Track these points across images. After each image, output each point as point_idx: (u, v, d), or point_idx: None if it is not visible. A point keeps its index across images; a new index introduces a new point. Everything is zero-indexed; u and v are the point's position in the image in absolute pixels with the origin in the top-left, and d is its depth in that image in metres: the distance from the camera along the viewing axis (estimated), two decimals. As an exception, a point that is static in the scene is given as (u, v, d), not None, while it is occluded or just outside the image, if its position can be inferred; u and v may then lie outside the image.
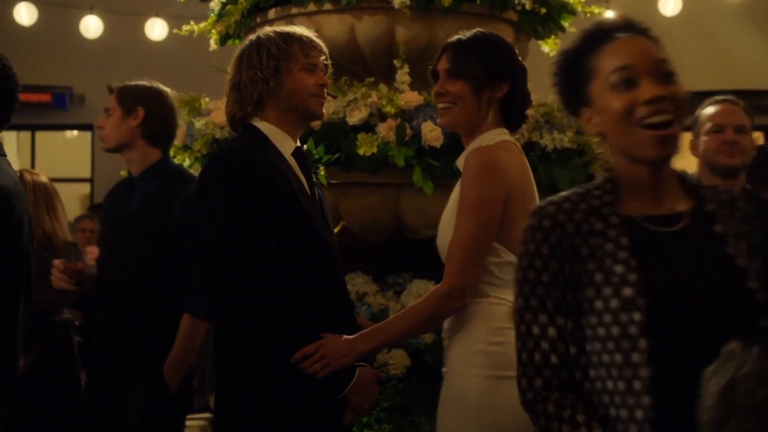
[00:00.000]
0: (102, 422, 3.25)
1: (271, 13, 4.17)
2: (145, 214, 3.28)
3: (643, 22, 1.76)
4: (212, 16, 4.44)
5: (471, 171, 2.45)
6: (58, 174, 10.75)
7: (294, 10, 4.07)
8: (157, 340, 3.20)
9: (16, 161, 11.28)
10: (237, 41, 4.47)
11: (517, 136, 3.65)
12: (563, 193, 1.76)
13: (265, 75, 2.56)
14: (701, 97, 10.25)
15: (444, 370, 2.53)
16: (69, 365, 3.98)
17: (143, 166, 3.36)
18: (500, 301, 2.46)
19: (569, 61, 1.77)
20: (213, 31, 4.46)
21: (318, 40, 2.65)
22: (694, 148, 3.43)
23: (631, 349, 1.57)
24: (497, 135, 2.52)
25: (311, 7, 4.05)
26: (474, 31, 2.59)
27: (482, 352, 2.43)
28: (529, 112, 3.76)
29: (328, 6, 4.05)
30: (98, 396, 3.29)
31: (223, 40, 4.40)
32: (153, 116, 3.36)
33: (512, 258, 2.44)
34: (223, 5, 4.32)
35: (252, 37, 2.66)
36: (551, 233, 1.69)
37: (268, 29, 2.68)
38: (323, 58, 2.65)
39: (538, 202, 2.53)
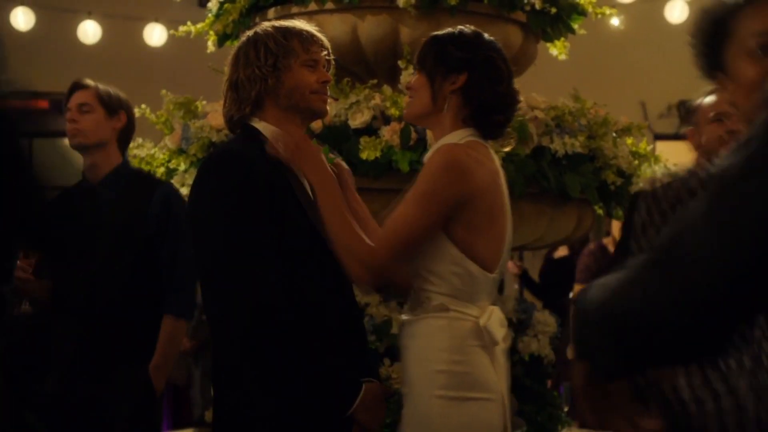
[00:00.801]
0: (80, 427, 3.18)
1: (271, 13, 4.03)
2: (119, 216, 3.27)
3: None
4: (210, 17, 4.30)
5: (434, 165, 2.36)
6: (56, 181, 10.61)
7: (294, 9, 3.93)
8: (139, 343, 3.20)
9: (14, 168, 11.19)
10: (235, 42, 4.34)
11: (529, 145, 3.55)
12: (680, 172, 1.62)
13: (264, 72, 2.42)
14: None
15: (403, 390, 2.39)
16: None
17: (107, 169, 3.37)
18: (462, 316, 2.34)
19: (710, 20, 1.60)
20: (210, 32, 4.33)
21: (319, 35, 2.52)
22: (693, 139, 3.24)
23: None
24: (465, 135, 2.42)
25: (312, 6, 3.92)
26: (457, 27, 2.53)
27: (444, 372, 2.31)
28: (539, 115, 3.69)
29: (329, 5, 3.92)
30: (75, 401, 3.19)
31: (221, 41, 4.26)
32: (130, 123, 3.44)
33: (474, 268, 2.34)
34: (221, 4, 4.19)
35: (249, 33, 2.52)
36: (644, 211, 1.55)
37: (266, 24, 2.54)
38: (325, 53, 2.51)
39: (508, 211, 2.46)
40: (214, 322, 2.42)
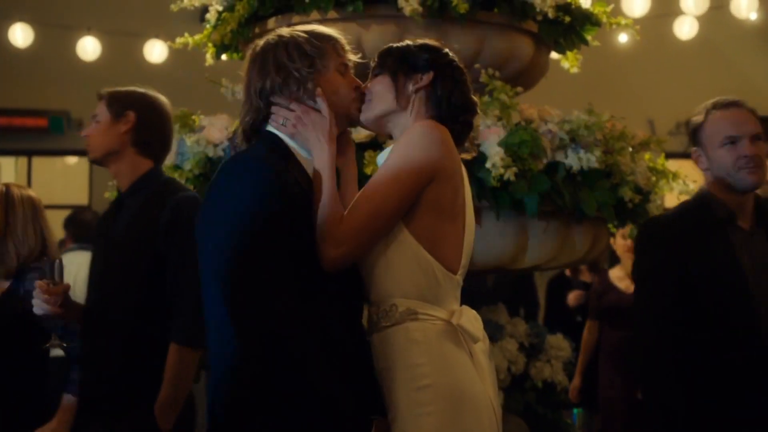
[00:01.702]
0: None
1: (271, 23, 3.85)
2: (132, 233, 2.94)
3: None
4: (208, 28, 4.14)
5: (409, 136, 2.22)
6: (55, 200, 10.49)
7: (296, 19, 3.75)
8: (145, 378, 2.85)
9: (14, 188, 11.05)
10: (234, 55, 4.18)
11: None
12: None
13: (303, 75, 2.23)
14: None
15: (390, 416, 2.17)
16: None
17: (132, 178, 3.02)
18: (433, 320, 2.19)
19: None
20: (209, 44, 4.16)
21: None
22: (700, 161, 2.99)
23: None
24: None
25: (314, 15, 3.74)
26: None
27: (430, 387, 2.14)
28: (553, 128, 3.52)
29: (332, 14, 3.75)
30: None
31: (219, 52, 4.09)
32: (145, 121, 3.04)
33: (439, 269, 2.20)
34: (219, 14, 4.02)
35: (269, 38, 2.31)
36: None
37: (286, 29, 2.34)
38: (358, 57, 2.37)
39: (472, 216, 2.30)
40: (215, 350, 2.17)
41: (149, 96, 3.10)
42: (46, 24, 8.72)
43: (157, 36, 8.54)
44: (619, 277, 5.86)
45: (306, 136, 2.25)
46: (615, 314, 5.68)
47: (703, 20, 8.73)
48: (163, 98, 3.14)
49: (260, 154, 2.21)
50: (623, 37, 8.60)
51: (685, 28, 8.79)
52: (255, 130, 2.30)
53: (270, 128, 2.28)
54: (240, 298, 2.06)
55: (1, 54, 9.02)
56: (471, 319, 2.24)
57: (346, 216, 2.17)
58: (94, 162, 3.10)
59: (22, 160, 10.95)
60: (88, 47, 8.66)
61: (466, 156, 2.46)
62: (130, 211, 2.98)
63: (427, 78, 2.33)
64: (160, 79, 8.63)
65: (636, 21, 7.92)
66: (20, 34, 8.50)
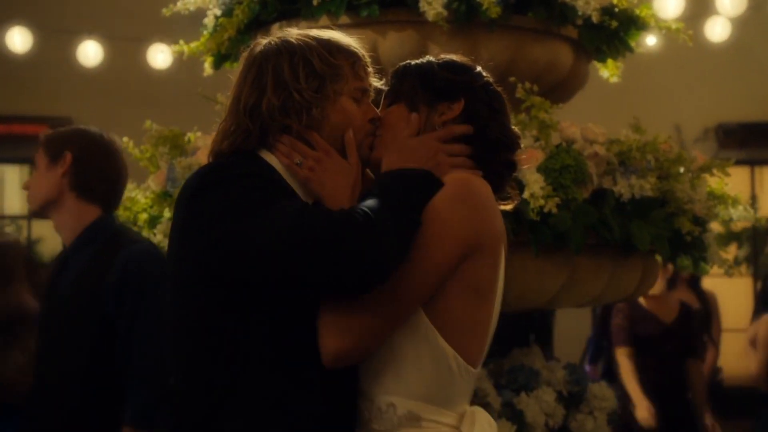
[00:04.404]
0: None
1: (274, 29, 3.41)
2: (79, 292, 2.55)
3: None
4: (205, 34, 3.70)
5: (443, 197, 1.75)
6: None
7: (302, 25, 3.31)
8: None
9: (18, 196, 10.78)
10: (236, 65, 3.74)
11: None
12: None
13: (307, 99, 1.76)
14: (747, 128, 9.36)
15: None
16: None
17: (77, 230, 2.64)
18: (436, 426, 1.76)
19: None
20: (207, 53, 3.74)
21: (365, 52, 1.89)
22: None
23: None
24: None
25: (324, 20, 3.28)
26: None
27: None
28: (599, 150, 3.07)
29: (344, 19, 3.29)
30: None
31: (218, 62, 3.66)
32: (83, 162, 2.65)
33: (459, 365, 1.73)
34: (217, 19, 3.59)
35: (272, 42, 1.84)
36: None
37: (295, 33, 1.87)
38: (382, 83, 1.91)
39: (501, 291, 1.81)
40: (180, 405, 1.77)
41: (90, 132, 2.72)
42: (45, 28, 8.42)
43: (161, 41, 8.22)
44: (649, 301, 5.42)
45: (322, 183, 1.78)
46: (653, 344, 5.25)
47: (736, 22, 8.34)
48: (112, 135, 2.76)
49: (240, 163, 1.76)
50: (651, 39, 8.21)
51: (717, 30, 8.40)
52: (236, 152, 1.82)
53: (264, 155, 1.82)
54: (194, 367, 1.68)
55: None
56: (484, 426, 1.79)
57: (367, 321, 1.68)
58: (35, 213, 2.74)
59: (24, 169, 10.70)
60: (90, 52, 8.43)
61: (507, 206, 1.96)
62: (75, 269, 2.60)
63: (456, 108, 1.86)
64: (164, 86, 8.35)
65: (666, 22, 7.55)
66: (18, 39, 8.26)
